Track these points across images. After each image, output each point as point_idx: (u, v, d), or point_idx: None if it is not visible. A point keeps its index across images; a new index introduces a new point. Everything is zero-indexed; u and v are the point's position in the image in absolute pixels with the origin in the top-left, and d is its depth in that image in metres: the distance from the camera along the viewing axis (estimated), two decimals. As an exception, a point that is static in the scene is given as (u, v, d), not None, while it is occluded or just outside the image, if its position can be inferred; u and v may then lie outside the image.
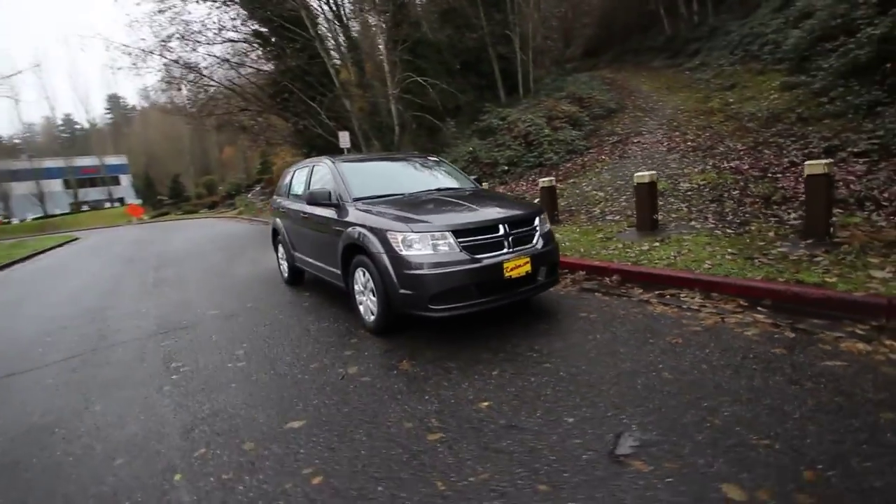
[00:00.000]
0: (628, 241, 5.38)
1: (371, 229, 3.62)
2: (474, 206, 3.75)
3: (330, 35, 15.84)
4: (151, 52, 13.90)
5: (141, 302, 6.00)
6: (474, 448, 2.16)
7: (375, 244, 3.53)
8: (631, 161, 9.34)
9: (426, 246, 3.30)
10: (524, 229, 3.67)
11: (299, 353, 3.62)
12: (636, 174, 5.64)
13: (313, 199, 4.30)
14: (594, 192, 8.26)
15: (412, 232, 3.34)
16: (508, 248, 3.51)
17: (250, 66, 16.20)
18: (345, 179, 4.36)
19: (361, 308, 3.96)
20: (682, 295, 3.92)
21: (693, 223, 5.60)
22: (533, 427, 2.27)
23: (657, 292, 4.06)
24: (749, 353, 2.80)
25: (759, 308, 3.46)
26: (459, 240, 3.35)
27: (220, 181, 43.64)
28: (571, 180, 9.47)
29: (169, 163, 48.97)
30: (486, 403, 2.53)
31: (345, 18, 15.87)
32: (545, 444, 2.12)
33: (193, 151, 49.65)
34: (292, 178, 5.83)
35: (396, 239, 3.38)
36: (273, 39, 15.54)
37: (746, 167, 7.06)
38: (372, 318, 3.78)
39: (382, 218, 3.61)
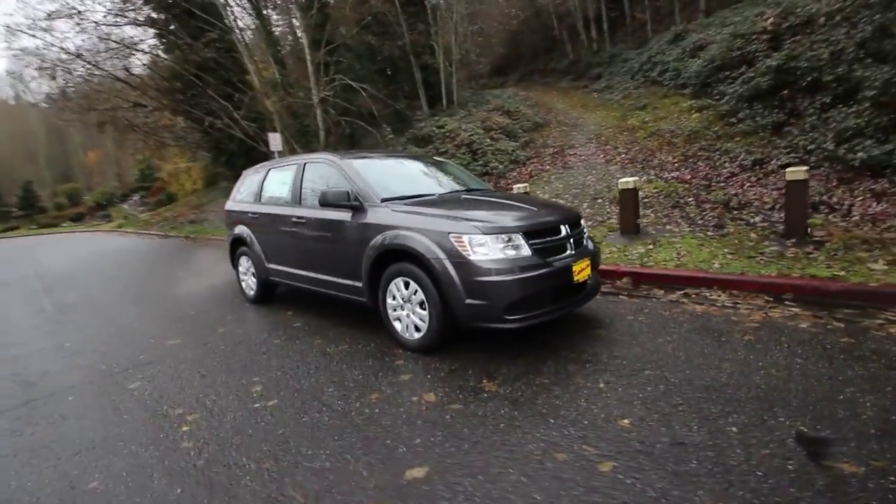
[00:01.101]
0: (620, 245, 5.53)
1: (423, 231, 3.17)
2: (528, 207, 3.50)
3: (249, 29, 14.46)
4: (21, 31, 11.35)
5: (55, 335, 4.70)
6: (661, 473, 1.90)
7: (430, 248, 3.10)
8: (576, 171, 9.79)
9: (496, 249, 2.98)
10: (579, 230, 3.52)
11: (340, 381, 3.03)
12: (620, 181, 5.84)
13: (327, 200, 3.69)
14: (554, 199, 8.47)
15: (481, 233, 2.99)
16: (571, 251, 3.32)
17: (144, 56, 14.10)
18: (364, 178, 3.83)
19: (398, 325, 3.47)
20: (707, 294, 4.06)
21: (669, 227, 5.94)
22: (700, 441, 2.08)
23: (680, 293, 4.16)
24: (821, 344, 2.93)
25: (785, 302, 3.69)
26: (530, 242, 3.08)
27: (85, 190, 37.37)
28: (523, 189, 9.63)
29: (17, 167, 40.66)
30: (625, 421, 2.28)
31: (264, 12, 14.60)
32: (735, 459, 1.94)
33: (50, 154, 41.85)
34: (264, 179, 5.03)
35: (462, 241, 3.00)
36: (172, 27, 13.73)
37: (689, 177, 7.76)
38: (418, 334, 3.32)
39: (437, 218, 3.20)
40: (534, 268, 3.01)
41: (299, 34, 13.25)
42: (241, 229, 5.25)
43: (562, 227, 3.32)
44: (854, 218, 4.83)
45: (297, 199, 4.40)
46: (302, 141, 14.63)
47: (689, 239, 5.32)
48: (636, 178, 5.87)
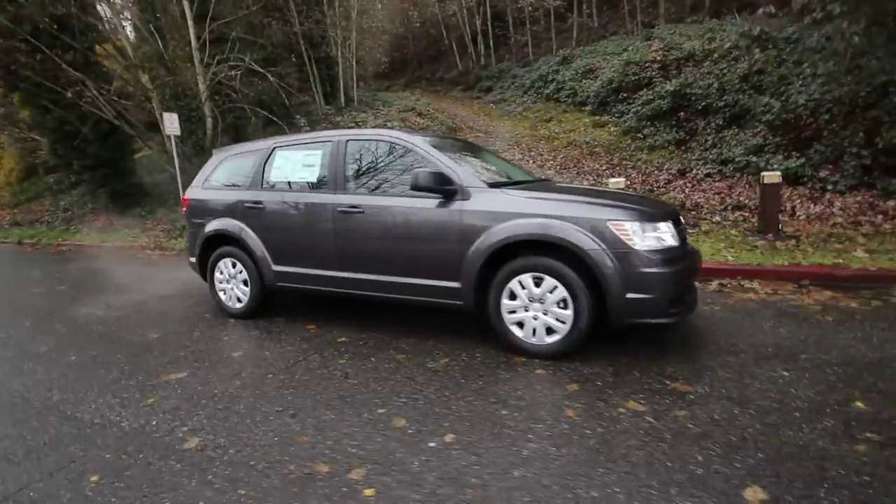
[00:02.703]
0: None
1: (568, 219, 2.81)
2: (630, 195, 3.38)
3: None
4: None
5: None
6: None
7: (584, 238, 2.76)
8: (514, 174, 10.03)
9: (654, 238, 2.79)
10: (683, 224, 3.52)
11: (501, 400, 2.49)
12: (611, 181, 6.11)
13: (419, 183, 3.05)
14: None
15: (643, 220, 2.77)
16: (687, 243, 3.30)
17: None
18: (450, 159, 3.27)
19: (519, 330, 3.02)
20: (741, 283, 4.43)
21: (645, 226, 6.41)
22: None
23: (716, 283, 4.47)
24: (886, 318, 3.39)
25: (808, 287, 4.22)
26: (677, 230, 2.96)
27: None
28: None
29: None
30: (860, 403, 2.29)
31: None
32: None
33: None
34: (266, 160, 4.00)
35: (625, 229, 2.73)
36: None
37: (629, 183, 8.53)
38: (553, 338, 2.93)
39: (584, 205, 2.87)
40: (682, 258, 2.90)
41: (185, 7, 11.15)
42: (225, 224, 4.09)
43: (680, 218, 3.28)
44: (801, 217, 5.82)
45: (339, 183, 3.58)
46: (187, 128, 12.35)
47: (679, 235, 5.79)
48: (622, 180, 6.21)
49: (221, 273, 4.23)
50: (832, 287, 4.15)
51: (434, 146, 3.40)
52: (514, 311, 3.03)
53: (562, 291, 2.85)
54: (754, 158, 7.38)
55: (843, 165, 5.93)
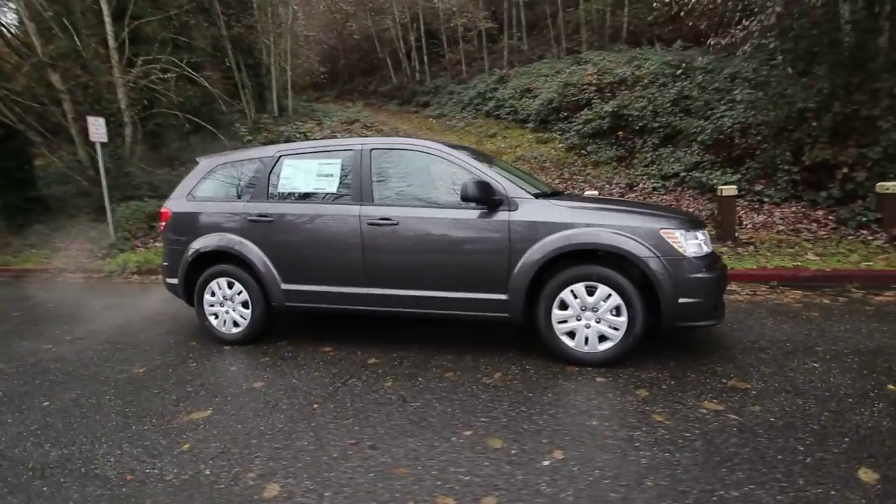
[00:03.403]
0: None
1: (622, 229, 2.89)
2: (662, 206, 3.56)
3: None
4: None
5: None
6: None
7: (639, 247, 2.85)
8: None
9: (697, 245, 2.95)
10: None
11: (586, 411, 2.46)
12: (586, 192, 6.40)
13: (468, 194, 2.97)
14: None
15: (688, 229, 2.93)
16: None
17: None
18: (490, 170, 3.23)
19: (570, 340, 3.02)
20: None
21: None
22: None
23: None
24: (881, 312, 3.86)
25: (780, 288, 4.71)
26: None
27: None
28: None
29: None
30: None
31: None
32: None
33: None
34: (272, 170, 3.65)
35: (676, 238, 2.87)
36: None
37: (599, 194, 9.02)
38: (605, 345, 2.97)
39: (635, 215, 2.97)
40: (717, 264, 3.10)
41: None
42: (220, 239, 3.67)
43: (700, 226, 3.52)
44: (748, 226, 6.51)
45: (365, 194, 3.37)
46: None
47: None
48: (596, 192, 6.54)
49: (213, 295, 3.77)
50: (798, 287, 4.67)
51: (471, 156, 3.35)
52: (564, 321, 3.03)
53: (616, 299, 2.91)
54: (696, 174, 8.15)
55: (777, 180, 6.77)
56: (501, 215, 3.07)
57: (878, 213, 5.44)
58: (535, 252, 2.98)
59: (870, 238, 5.36)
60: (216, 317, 3.80)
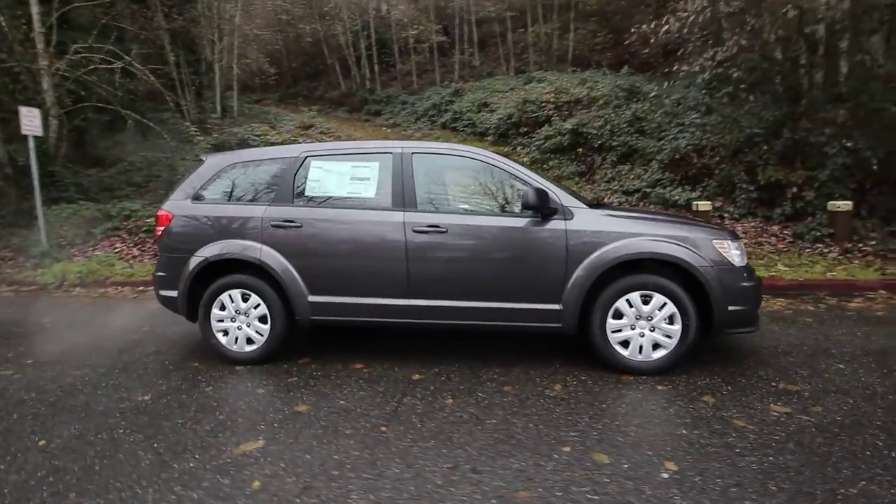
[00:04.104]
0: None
1: (683, 239, 2.98)
2: (697, 220, 3.71)
3: None
4: None
5: None
6: None
7: (695, 256, 2.93)
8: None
9: (740, 255, 3.10)
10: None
11: (668, 419, 2.46)
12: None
13: (530, 202, 2.91)
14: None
15: (732, 240, 3.08)
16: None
17: None
18: (541, 178, 3.19)
19: (623, 349, 3.03)
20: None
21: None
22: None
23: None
24: (863, 318, 4.25)
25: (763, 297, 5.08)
26: (739, 250, 3.34)
27: None
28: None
29: None
30: (917, 383, 2.83)
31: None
32: None
33: None
34: (297, 171, 3.35)
35: (725, 247, 2.99)
36: None
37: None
38: (659, 353, 3.01)
39: (684, 226, 3.07)
40: (755, 273, 3.27)
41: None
42: (235, 246, 3.29)
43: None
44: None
45: (408, 200, 3.18)
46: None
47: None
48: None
49: (223, 309, 3.36)
50: (779, 295, 5.08)
51: (520, 164, 3.29)
52: (618, 330, 3.04)
53: (671, 308, 2.97)
54: (659, 189, 8.69)
55: (736, 198, 7.39)
56: (557, 224, 3.03)
57: (830, 228, 6.10)
58: (594, 261, 2.97)
59: (825, 251, 5.98)
60: (225, 333, 3.39)
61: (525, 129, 13.20)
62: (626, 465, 2.08)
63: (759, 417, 2.47)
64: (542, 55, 19.51)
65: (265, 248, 3.27)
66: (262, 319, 3.34)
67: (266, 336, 3.34)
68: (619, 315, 3.02)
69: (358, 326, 3.38)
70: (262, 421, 2.56)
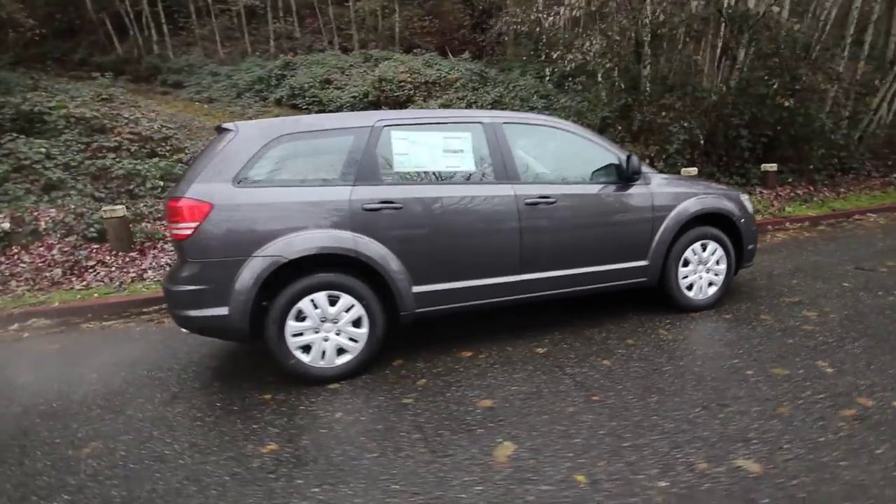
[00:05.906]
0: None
1: (727, 196, 3.65)
2: None
3: None
4: None
5: None
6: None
7: (734, 211, 3.60)
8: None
9: (750, 207, 3.90)
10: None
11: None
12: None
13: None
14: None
15: (746, 195, 3.86)
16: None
17: None
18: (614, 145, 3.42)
19: (689, 291, 3.54)
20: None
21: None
22: None
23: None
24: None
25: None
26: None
27: None
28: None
29: None
30: None
31: None
32: None
33: None
34: (377, 143, 2.77)
35: (745, 201, 3.74)
36: None
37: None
38: (710, 291, 3.62)
39: (720, 186, 3.70)
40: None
41: None
42: (323, 238, 2.59)
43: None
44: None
45: (510, 172, 2.99)
46: None
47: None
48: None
49: (303, 320, 2.62)
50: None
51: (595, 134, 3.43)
52: (685, 276, 3.53)
53: (720, 252, 3.59)
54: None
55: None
56: (641, 188, 3.31)
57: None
58: (675, 218, 3.36)
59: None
60: (306, 350, 2.66)
61: (386, 109, 12.98)
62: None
63: (807, 334, 3.21)
64: (369, 33, 19.15)
65: (359, 236, 2.66)
66: (356, 323, 2.73)
67: (363, 342, 2.74)
68: (686, 263, 3.51)
69: (463, 313, 3.05)
70: (456, 430, 2.18)
